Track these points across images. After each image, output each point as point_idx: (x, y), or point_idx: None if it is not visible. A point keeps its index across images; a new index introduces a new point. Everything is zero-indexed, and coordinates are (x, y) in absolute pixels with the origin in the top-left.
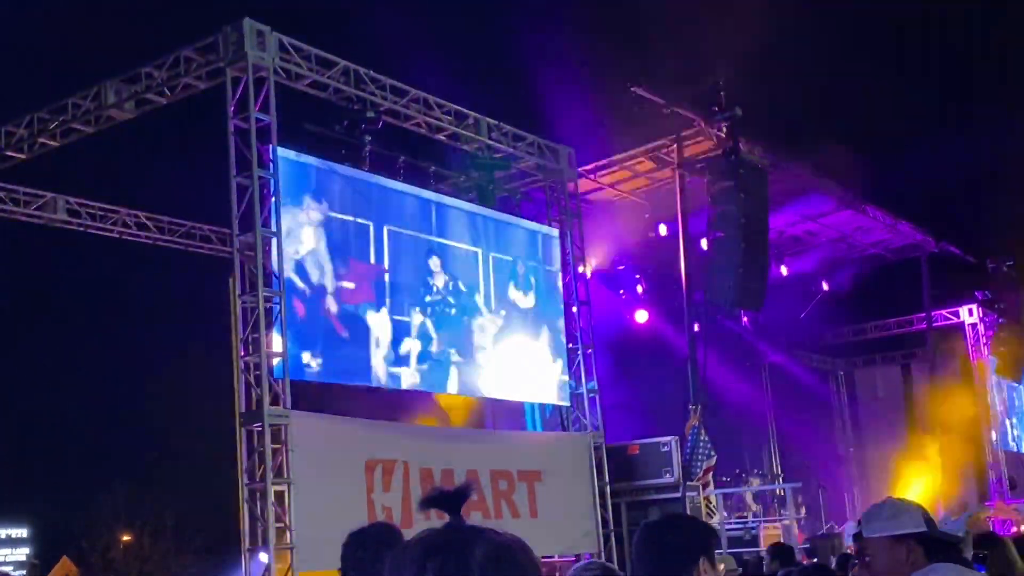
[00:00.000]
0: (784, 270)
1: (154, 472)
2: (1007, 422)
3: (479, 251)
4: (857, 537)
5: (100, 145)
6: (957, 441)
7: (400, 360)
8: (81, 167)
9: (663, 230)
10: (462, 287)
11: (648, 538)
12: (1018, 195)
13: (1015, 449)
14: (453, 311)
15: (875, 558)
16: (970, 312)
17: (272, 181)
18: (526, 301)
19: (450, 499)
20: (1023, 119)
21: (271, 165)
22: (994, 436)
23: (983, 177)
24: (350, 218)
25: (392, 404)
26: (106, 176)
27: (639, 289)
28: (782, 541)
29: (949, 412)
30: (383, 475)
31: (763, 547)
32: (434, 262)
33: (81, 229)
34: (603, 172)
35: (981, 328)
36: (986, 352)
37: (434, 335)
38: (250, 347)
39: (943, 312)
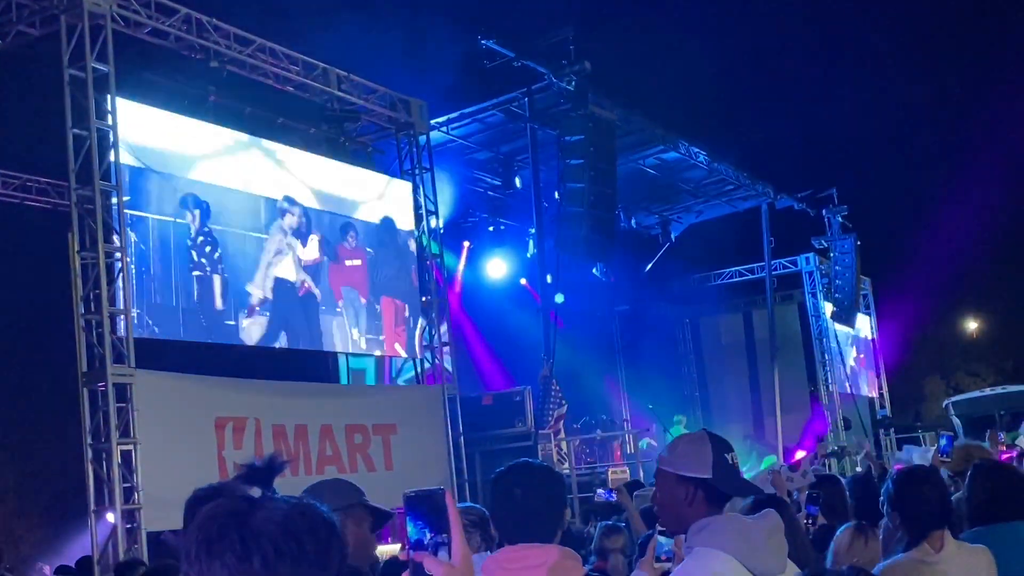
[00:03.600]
0: (633, 222)
1: None
2: (841, 366)
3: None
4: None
5: None
6: (794, 384)
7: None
8: None
9: (518, 182)
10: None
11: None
12: (850, 148)
13: (849, 391)
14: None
15: (661, 490)
16: (807, 260)
17: (111, 132)
18: (373, 252)
19: (260, 473)
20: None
21: (110, 116)
22: (828, 379)
23: (820, 132)
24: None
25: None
26: None
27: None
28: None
29: (788, 357)
30: (234, 433)
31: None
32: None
33: None
34: (455, 125)
35: (818, 276)
36: (823, 298)
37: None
38: (91, 305)
39: (782, 261)
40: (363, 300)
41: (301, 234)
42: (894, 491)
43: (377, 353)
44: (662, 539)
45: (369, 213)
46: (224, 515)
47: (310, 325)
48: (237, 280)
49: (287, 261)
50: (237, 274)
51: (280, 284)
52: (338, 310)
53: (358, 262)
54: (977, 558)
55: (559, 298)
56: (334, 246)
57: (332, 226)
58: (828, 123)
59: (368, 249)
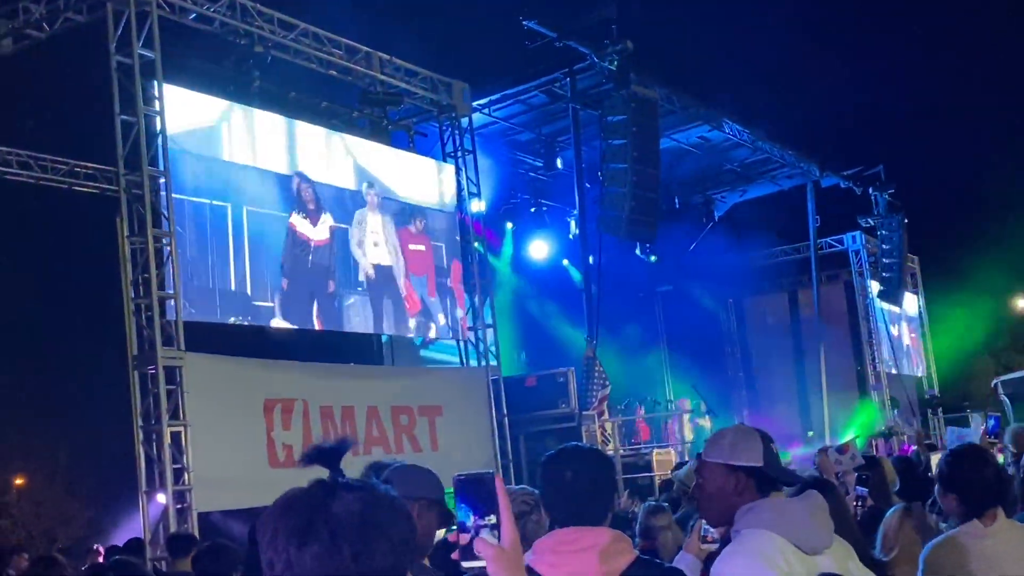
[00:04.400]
0: (676, 201)
1: (47, 416)
2: (888, 345)
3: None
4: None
5: None
6: (840, 364)
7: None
8: None
9: (559, 163)
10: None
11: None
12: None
13: (896, 371)
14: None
15: (707, 482)
16: (853, 239)
17: (158, 118)
18: (419, 237)
19: (327, 454)
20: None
21: (157, 102)
22: (876, 358)
23: (867, 109)
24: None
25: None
26: None
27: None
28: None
29: (834, 337)
30: (282, 414)
31: (655, 472)
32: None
33: None
34: (497, 106)
35: (865, 254)
36: (869, 277)
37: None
38: (140, 289)
39: (828, 240)
40: (422, 282)
41: (363, 218)
42: (947, 471)
43: (432, 336)
44: (707, 525)
45: (417, 196)
46: (307, 504)
47: (373, 307)
48: (273, 263)
49: (373, 250)
50: (269, 256)
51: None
52: (398, 292)
53: (422, 247)
54: None
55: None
56: (398, 231)
57: (394, 211)
58: (875, 100)
59: (424, 233)
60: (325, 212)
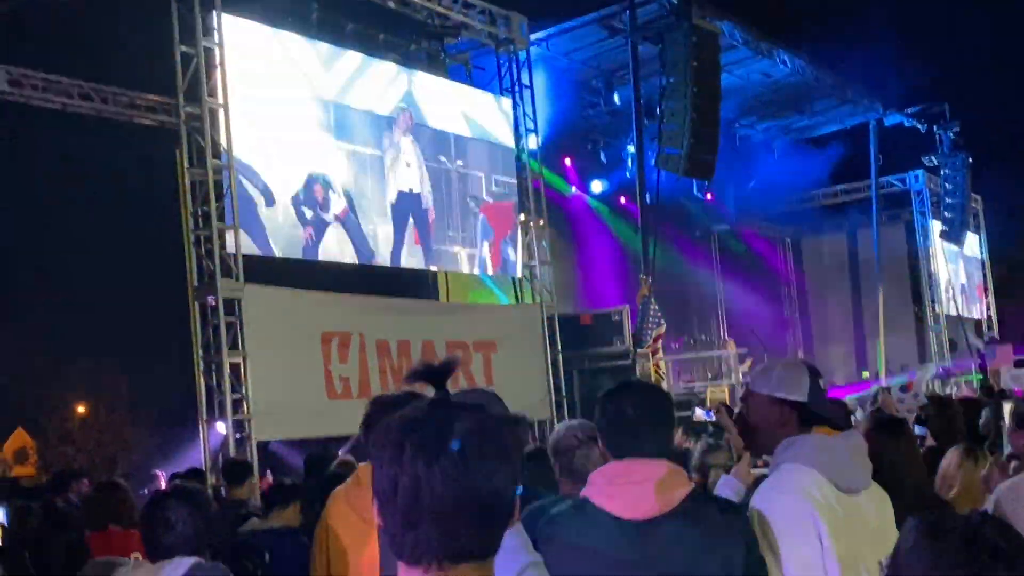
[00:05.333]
0: (736, 138)
1: (108, 345)
2: (948, 287)
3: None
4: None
5: (42, 13)
6: (898, 305)
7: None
8: (22, 36)
9: (617, 99)
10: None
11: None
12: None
13: (955, 313)
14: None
15: (751, 412)
16: (916, 179)
17: (218, 50)
18: (473, 175)
19: (436, 373)
20: None
21: (216, 33)
22: (935, 300)
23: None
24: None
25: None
26: (48, 45)
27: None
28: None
29: (893, 277)
30: (339, 347)
31: (709, 408)
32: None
33: (23, 100)
34: (555, 40)
35: (927, 194)
36: (931, 217)
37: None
38: (200, 221)
39: (890, 179)
40: (472, 218)
41: (411, 147)
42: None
43: (489, 272)
44: None
45: (475, 129)
46: (434, 423)
47: (423, 240)
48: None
49: (405, 173)
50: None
51: (402, 197)
52: (449, 231)
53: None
54: None
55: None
56: (435, 156)
57: (429, 136)
58: (941, 36)
59: (475, 164)
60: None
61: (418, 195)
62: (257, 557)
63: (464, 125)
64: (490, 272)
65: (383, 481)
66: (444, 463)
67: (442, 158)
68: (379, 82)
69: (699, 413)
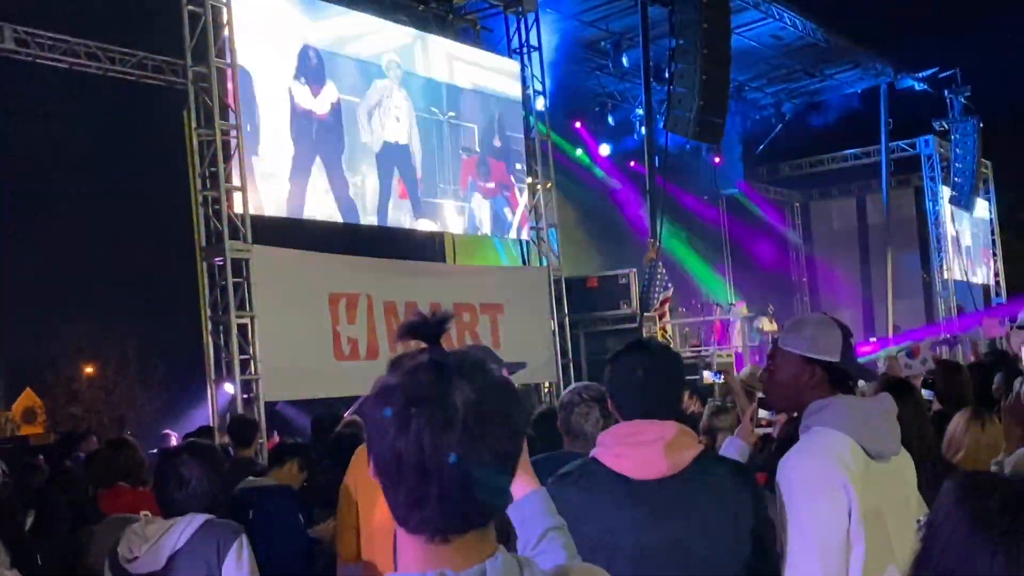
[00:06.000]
0: (745, 102)
1: (115, 305)
2: (957, 253)
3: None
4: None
5: None
6: (907, 270)
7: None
8: None
9: (625, 61)
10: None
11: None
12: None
13: (964, 278)
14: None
15: (780, 369)
16: (926, 143)
17: (226, 9)
18: (466, 127)
19: (430, 328)
20: None
21: None
22: (943, 265)
23: (945, 9)
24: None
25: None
26: (54, 4)
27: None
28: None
29: (901, 242)
30: (347, 308)
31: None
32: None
33: (30, 59)
34: (564, 1)
35: (937, 159)
36: (941, 182)
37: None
38: (207, 181)
39: (900, 143)
40: (478, 181)
41: (402, 99)
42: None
43: (484, 230)
44: (761, 409)
45: (480, 88)
46: (436, 391)
47: (411, 194)
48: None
49: (394, 126)
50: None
51: (388, 147)
52: (440, 183)
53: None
54: None
55: None
56: (425, 110)
57: (420, 87)
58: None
59: (469, 116)
60: (328, 82)
61: (406, 146)
62: (241, 513)
63: (467, 82)
64: (485, 230)
65: (385, 452)
66: (450, 437)
67: (434, 109)
68: (374, 32)
69: (707, 375)
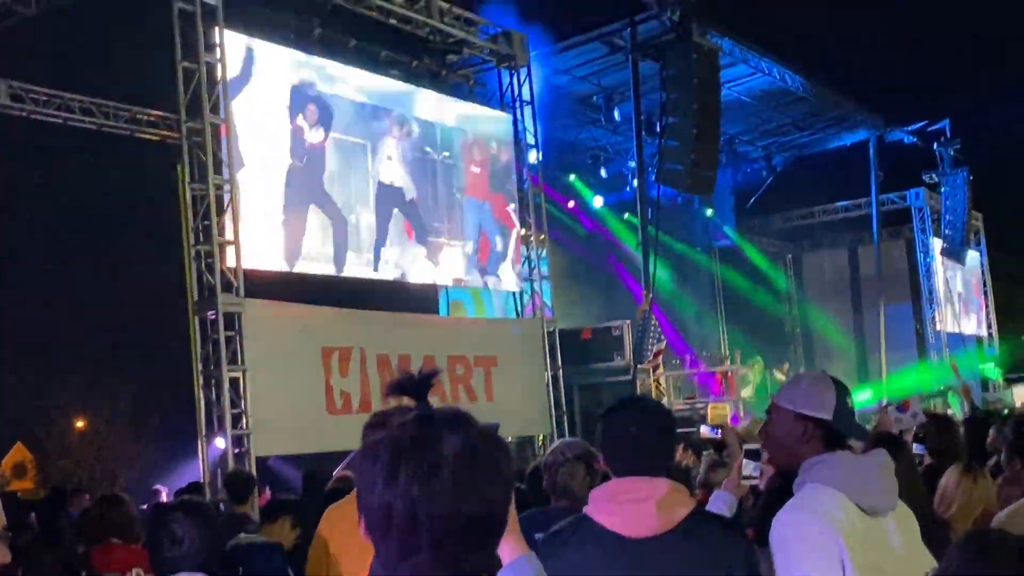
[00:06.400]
0: (736, 155)
1: (108, 360)
2: (948, 303)
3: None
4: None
5: (43, 27)
6: (900, 322)
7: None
8: (24, 50)
9: (617, 115)
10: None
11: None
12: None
13: (956, 330)
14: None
15: (775, 426)
16: (917, 196)
17: (220, 66)
18: (475, 187)
19: (416, 386)
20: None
21: (218, 49)
22: (936, 316)
23: (934, 63)
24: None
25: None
26: (49, 60)
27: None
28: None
29: (894, 294)
30: (340, 361)
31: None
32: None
33: (24, 114)
34: (557, 57)
35: (928, 211)
36: (932, 234)
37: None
38: (200, 235)
39: (891, 196)
40: (459, 209)
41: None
42: (1013, 436)
43: (488, 285)
44: (748, 460)
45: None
46: (423, 443)
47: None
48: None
49: (388, 166)
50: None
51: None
52: (435, 223)
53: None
54: None
55: None
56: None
57: (421, 132)
58: (941, 52)
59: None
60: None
61: (400, 189)
62: (230, 570)
63: (462, 131)
64: (492, 285)
65: (375, 508)
66: (439, 485)
67: (428, 149)
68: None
69: (704, 430)
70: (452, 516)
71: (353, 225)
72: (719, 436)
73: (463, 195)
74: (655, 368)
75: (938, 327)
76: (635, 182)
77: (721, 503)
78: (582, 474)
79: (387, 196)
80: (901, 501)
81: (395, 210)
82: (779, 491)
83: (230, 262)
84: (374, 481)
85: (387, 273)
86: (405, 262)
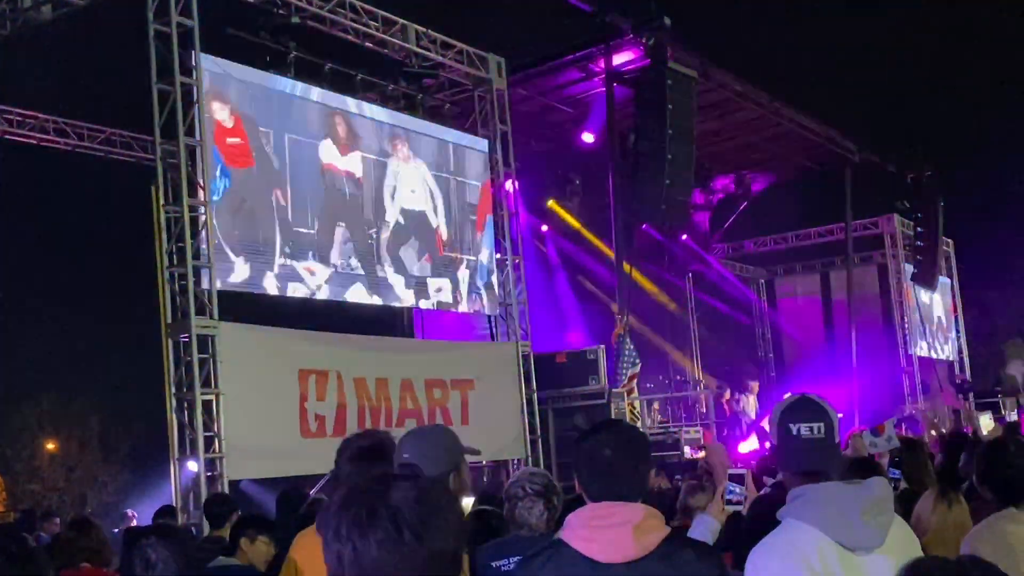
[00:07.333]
0: (710, 180)
1: (78, 381)
2: (920, 330)
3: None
4: None
5: (17, 48)
6: (872, 347)
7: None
8: None
9: (588, 138)
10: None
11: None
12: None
13: (928, 355)
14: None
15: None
16: (888, 221)
17: (195, 88)
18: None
19: (372, 453)
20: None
21: (194, 71)
22: (908, 342)
23: (907, 88)
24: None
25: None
26: (23, 81)
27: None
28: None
29: (865, 321)
30: (316, 384)
31: (684, 450)
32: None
33: None
34: (533, 81)
35: (899, 237)
36: (904, 260)
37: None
38: (174, 258)
39: (863, 222)
40: (470, 225)
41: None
42: (983, 463)
43: (460, 309)
44: (732, 485)
45: (453, 168)
46: (366, 495)
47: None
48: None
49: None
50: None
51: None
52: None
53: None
54: None
55: None
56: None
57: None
58: (915, 81)
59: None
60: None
61: (422, 212)
62: None
63: (442, 160)
64: (466, 309)
65: (330, 557)
66: (377, 533)
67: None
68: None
69: (687, 452)
70: (396, 563)
71: (373, 242)
72: (700, 457)
73: (473, 213)
74: (630, 392)
75: (911, 351)
76: (610, 206)
77: (704, 527)
78: (539, 510)
79: (407, 218)
80: (906, 532)
81: (372, 232)
82: (762, 517)
83: (204, 284)
84: (328, 533)
85: (362, 297)
86: (382, 285)
